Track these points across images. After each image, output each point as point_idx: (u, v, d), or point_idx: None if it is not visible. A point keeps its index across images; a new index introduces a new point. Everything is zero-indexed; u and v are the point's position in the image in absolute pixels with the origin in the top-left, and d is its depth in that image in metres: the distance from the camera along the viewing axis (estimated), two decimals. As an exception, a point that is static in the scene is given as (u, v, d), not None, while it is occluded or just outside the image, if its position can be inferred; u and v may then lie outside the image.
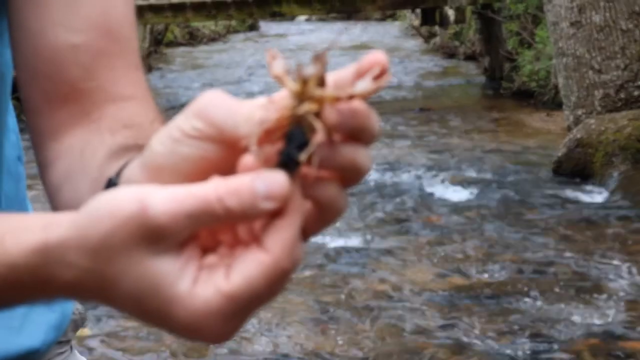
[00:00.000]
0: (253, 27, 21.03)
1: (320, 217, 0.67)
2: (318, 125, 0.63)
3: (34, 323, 1.16)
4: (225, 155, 0.67)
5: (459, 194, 6.29)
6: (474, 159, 7.36)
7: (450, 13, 12.23)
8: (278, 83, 0.65)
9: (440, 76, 12.45)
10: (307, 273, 4.68)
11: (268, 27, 21.31)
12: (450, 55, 14.08)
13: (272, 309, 4.17)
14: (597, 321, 4.06)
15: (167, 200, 0.62)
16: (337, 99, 0.64)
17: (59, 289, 0.68)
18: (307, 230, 0.68)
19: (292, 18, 20.59)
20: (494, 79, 11.17)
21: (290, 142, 0.64)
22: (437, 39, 15.03)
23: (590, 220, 5.58)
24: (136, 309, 0.65)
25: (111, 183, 0.80)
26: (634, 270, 4.65)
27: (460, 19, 12.23)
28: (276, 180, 0.62)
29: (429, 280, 4.60)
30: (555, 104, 8.44)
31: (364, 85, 0.64)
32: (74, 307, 1.25)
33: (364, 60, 0.65)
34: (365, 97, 0.64)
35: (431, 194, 6.28)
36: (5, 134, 1.12)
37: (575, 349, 3.79)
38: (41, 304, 0.78)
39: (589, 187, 6.26)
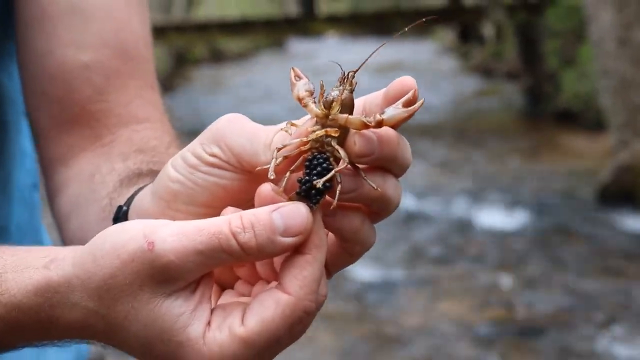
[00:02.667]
0: (281, 45, 21.19)
1: (346, 252, 0.66)
2: (341, 152, 0.62)
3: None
4: (243, 183, 0.66)
5: (496, 221, 6.30)
6: (513, 184, 7.38)
7: (488, 30, 12.25)
8: (301, 105, 0.64)
9: (477, 96, 12.47)
10: (335, 305, 4.69)
11: (297, 45, 21.44)
12: (488, 74, 14.10)
13: (296, 344, 4.18)
14: None
15: (176, 236, 0.61)
16: (364, 125, 0.62)
17: (64, 331, 0.66)
18: (331, 266, 0.67)
19: (321, 35, 20.71)
20: (534, 99, 11.15)
21: (311, 170, 0.62)
22: (474, 58, 15.06)
23: (637, 250, 5.60)
24: (145, 353, 0.64)
25: (121, 211, 0.78)
26: None
27: (499, 36, 12.25)
28: (296, 213, 0.61)
29: (465, 312, 4.60)
30: (598, 126, 8.43)
31: (394, 112, 0.62)
32: (90, 347, 1.22)
33: (392, 85, 0.63)
34: (395, 124, 0.62)
35: (467, 221, 6.29)
36: (20, 160, 1.11)
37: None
38: (48, 345, 0.73)
39: (636, 215, 6.26)
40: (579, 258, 5.46)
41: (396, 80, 0.63)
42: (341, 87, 0.63)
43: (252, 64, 18.09)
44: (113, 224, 0.75)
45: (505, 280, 5.08)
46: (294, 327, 0.63)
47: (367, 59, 0.64)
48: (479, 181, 7.44)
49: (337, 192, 0.62)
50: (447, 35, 17.62)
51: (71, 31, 0.95)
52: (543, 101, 10.62)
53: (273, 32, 12.48)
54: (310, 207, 0.62)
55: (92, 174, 0.92)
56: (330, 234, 0.65)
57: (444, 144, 9.32)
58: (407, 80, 0.63)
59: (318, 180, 0.61)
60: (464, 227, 6.16)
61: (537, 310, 4.63)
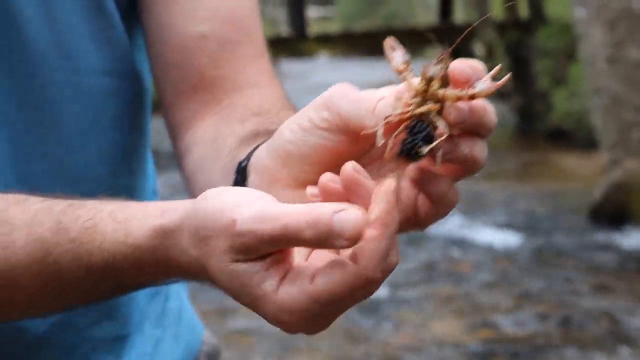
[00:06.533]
0: (273, 66, 21.24)
1: (434, 211, 0.77)
2: (441, 122, 0.71)
3: (161, 354, 1.26)
4: (350, 145, 0.76)
5: (488, 241, 6.34)
6: (504, 204, 7.44)
7: (479, 49, 12.33)
8: (399, 77, 0.74)
9: None
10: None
11: (289, 66, 21.56)
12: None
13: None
14: None
15: (253, 221, 0.70)
16: (458, 98, 0.72)
17: (178, 272, 0.78)
18: (421, 222, 0.77)
19: (312, 56, 20.85)
20: (525, 118, 11.22)
21: (413, 135, 0.71)
22: None
23: (630, 268, 5.64)
24: (236, 299, 0.75)
25: (240, 166, 0.89)
26: None
27: (489, 55, 12.32)
28: (351, 221, 0.68)
29: (456, 332, 4.62)
30: (590, 144, 8.49)
31: (484, 85, 0.72)
32: (201, 342, 1.33)
33: (458, 68, 0.74)
34: (484, 96, 0.72)
35: (458, 241, 6.33)
36: (144, 165, 1.21)
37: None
38: (168, 283, 0.89)
39: (628, 233, 6.29)
40: (571, 277, 5.49)
41: (462, 63, 0.74)
42: (439, 66, 0.72)
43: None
44: (234, 177, 0.89)
45: (497, 300, 5.10)
46: (356, 293, 0.72)
47: (463, 35, 0.78)
48: (471, 200, 7.48)
49: (439, 157, 0.72)
50: (437, 54, 17.77)
51: (188, 4, 1.07)
52: (534, 120, 10.68)
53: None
54: (412, 162, 0.73)
55: (215, 137, 1.03)
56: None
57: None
58: (475, 63, 0.74)
59: (425, 147, 0.71)
60: (456, 246, 6.23)
61: (529, 330, 4.66)
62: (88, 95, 1.09)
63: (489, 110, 0.74)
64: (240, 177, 0.89)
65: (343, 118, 0.74)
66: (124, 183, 1.16)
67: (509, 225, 6.76)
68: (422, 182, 0.75)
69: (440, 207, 0.77)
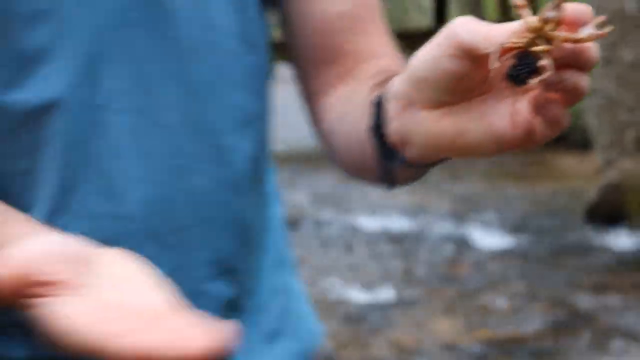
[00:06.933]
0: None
1: (548, 131, 0.84)
2: (549, 61, 0.80)
3: (280, 347, 1.31)
4: (473, 70, 0.83)
5: (485, 242, 6.31)
6: (501, 205, 7.40)
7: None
8: (518, 13, 0.82)
9: None
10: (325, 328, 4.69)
11: (285, 70, 21.50)
12: None
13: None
14: None
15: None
16: (565, 40, 0.80)
17: None
18: (537, 140, 0.85)
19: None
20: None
21: (521, 63, 0.81)
22: None
23: (626, 267, 5.62)
24: None
25: (377, 100, 0.98)
26: None
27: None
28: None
29: (456, 334, 4.60)
30: (585, 145, 8.47)
31: (590, 31, 0.80)
32: (317, 347, 1.37)
33: (570, 11, 0.81)
34: (586, 42, 0.81)
35: (458, 241, 6.30)
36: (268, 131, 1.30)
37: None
38: None
39: (623, 233, 6.28)
40: (568, 276, 5.47)
41: (576, 8, 0.81)
42: (554, 10, 0.80)
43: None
44: (371, 110, 0.99)
45: (496, 299, 5.09)
46: None
47: None
48: (469, 202, 7.46)
49: (543, 85, 0.82)
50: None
51: None
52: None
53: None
54: (517, 86, 0.82)
55: (349, 96, 1.15)
56: None
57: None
58: (583, 7, 0.81)
59: (531, 76, 0.81)
60: (455, 247, 6.18)
61: (527, 329, 4.65)
62: (219, 54, 1.18)
63: (593, 51, 0.82)
64: (376, 110, 0.98)
65: (463, 45, 0.82)
66: (244, 147, 1.22)
67: (505, 226, 6.73)
68: (538, 105, 0.83)
69: (553, 128, 0.84)
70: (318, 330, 1.37)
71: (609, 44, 6.59)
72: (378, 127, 0.98)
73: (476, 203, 7.40)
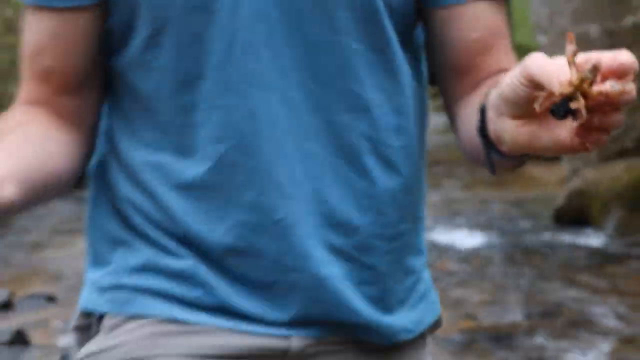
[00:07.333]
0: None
1: (591, 147, 0.96)
2: (583, 109, 0.92)
3: (430, 304, 1.44)
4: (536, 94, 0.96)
5: (466, 242, 6.28)
6: (480, 209, 7.37)
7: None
8: (567, 61, 0.93)
9: (446, 133, 12.34)
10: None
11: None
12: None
13: None
14: (594, 357, 4.07)
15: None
16: (599, 95, 0.91)
17: None
18: (585, 150, 0.97)
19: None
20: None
21: (564, 102, 0.93)
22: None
23: (589, 264, 5.59)
24: None
25: (482, 107, 1.12)
26: (626, 309, 4.66)
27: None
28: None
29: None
30: (554, 157, 8.41)
31: (619, 88, 0.92)
32: (435, 321, 1.47)
33: (610, 61, 0.93)
34: (614, 98, 0.92)
35: (439, 243, 6.27)
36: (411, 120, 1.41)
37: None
38: None
39: (587, 233, 6.25)
40: (539, 272, 5.46)
41: (616, 57, 0.93)
42: (592, 71, 0.92)
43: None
44: (478, 115, 1.13)
45: (475, 294, 5.07)
46: None
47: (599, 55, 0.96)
48: (450, 206, 7.41)
49: (578, 121, 0.94)
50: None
51: (469, 21, 1.34)
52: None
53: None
54: (556, 118, 0.96)
55: (473, 100, 1.26)
56: None
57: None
58: (626, 58, 0.94)
59: (569, 118, 0.95)
60: (437, 248, 6.12)
61: (506, 320, 4.64)
62: (338, 50, 1.28)
63: (623, 94, 0.92)
64: (481, 115, 1.12)
65: (533, 77, 0.95)
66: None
67: (483, 228, 6.70)
68: (580, 132, 0.96)
69: (597, 145, 0.96)
70: (438, 310, 1.49)
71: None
72: (482, 128, 1.13)
73: (457, 209, 7.38)
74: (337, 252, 1.30)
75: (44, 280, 5.90)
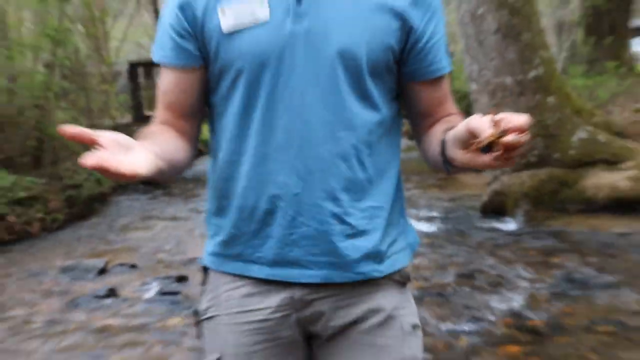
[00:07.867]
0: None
1: (507, 164, 1.10)
2: (498, 148, 1.10)
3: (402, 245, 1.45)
4: (475, 138, 1.11)
5: (420, 226, 6.20)
6: (428, 204, 7.26)
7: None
8: (491, 124, 1.10)
9: (406, 151, 12.05)
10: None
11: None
12: (412, 137, 13.68)
13: None
14: (508, 306, 4.01)
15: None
16: (504, 142, 1.08)
17: None
18: (504, 167, 1.11)
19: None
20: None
21: (488, 145, 1.10)
22: (404, 125, 14.64)
23: (505, 241, 5.53)
24: None
25: (443, 141, 1.25)
26: (531, 272, 4.60)
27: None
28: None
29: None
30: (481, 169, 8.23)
31: (514, 138, 1.07)
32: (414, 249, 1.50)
33: (508, 121, 1.09)
34: (514, 144, 1.08)
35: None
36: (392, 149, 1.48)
37: (495, 324, 3.74)
38: None
39: (504, 221, 6.19)
40: (469, 248, 5.39)
41: (518, 120, 1.08)
42: (496, 127, 1.10)
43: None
44: (440, 146, 1.27)
45: (425, 262, 4.99)
46: None
47: None
48: (409, 201, 7.31)
49: (496, 153, 1.11)
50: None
51: (438, 92, 1.41)
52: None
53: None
54: (486, 152, 1.14)
55: (434, 133, 1.34)
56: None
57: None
58: (523, 121, 1.09)
59: (493, 154, 1.12)
60: None
61: (445, 280, 4.57)
62: (350, 64, 1.27)
63: (518, 141, 1.07)
64: (443, 144, 1.24)
65: (473, 131, 1.11)
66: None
67: (430, 217, 6.61)
68: (497, 158, 1.11)
69: (509, 163, 1.10)
70: (416, 243, 1.50)
71: (495, 106, 6.44)
72: (443, 153, 1.24)
73: (412, 202, 7.29)
74: (334, 215, 1.31)
75: (129, 253, 5.87)
